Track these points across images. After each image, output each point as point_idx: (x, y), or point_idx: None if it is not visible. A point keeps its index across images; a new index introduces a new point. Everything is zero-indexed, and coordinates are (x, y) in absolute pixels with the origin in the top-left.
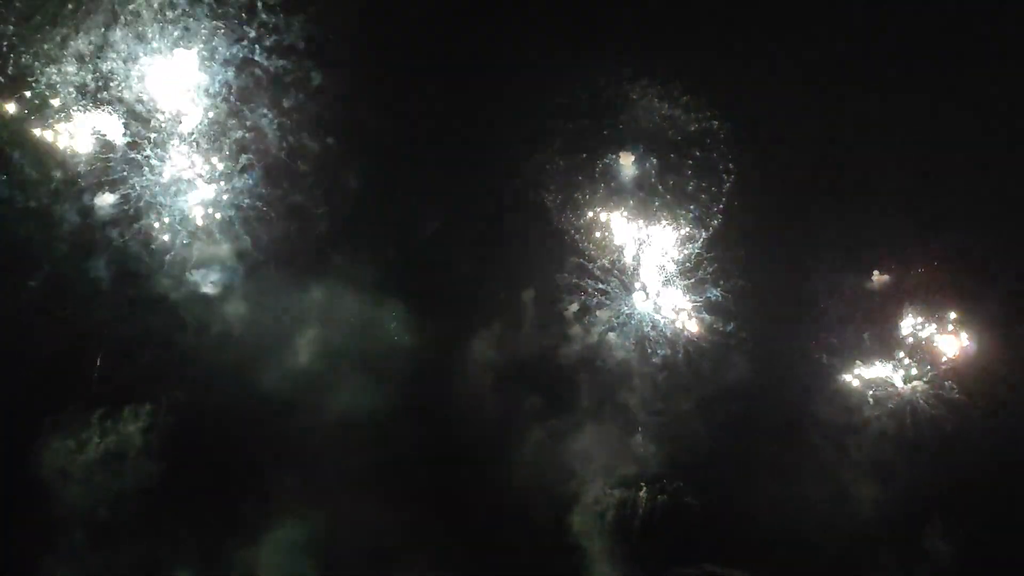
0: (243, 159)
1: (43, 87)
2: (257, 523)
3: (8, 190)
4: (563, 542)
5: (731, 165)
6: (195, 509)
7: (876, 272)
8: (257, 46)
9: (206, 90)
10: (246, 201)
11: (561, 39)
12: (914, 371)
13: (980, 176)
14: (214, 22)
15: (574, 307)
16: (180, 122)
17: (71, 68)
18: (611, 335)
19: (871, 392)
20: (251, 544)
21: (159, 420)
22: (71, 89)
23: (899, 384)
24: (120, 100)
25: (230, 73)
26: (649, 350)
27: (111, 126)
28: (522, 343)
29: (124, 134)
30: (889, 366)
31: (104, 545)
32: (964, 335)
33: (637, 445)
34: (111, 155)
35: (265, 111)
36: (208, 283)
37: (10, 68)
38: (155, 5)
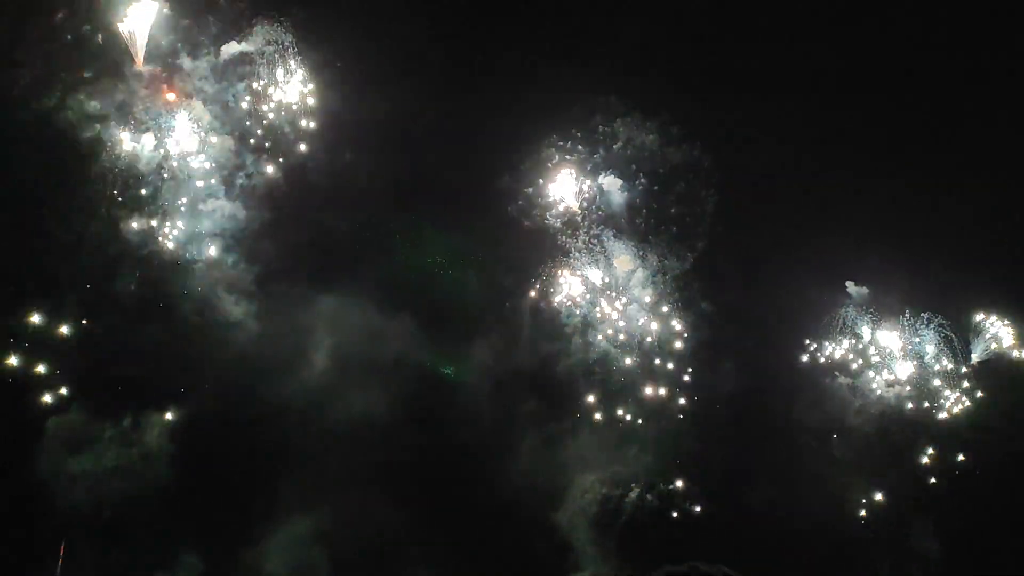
0: (257, 176)
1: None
2: (265, 522)
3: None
4: (558, 541)
5: (713, 191)
6: (206, 509)
7: (852, 283)
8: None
9: (225, 105)
10: (259, 216)
11: (561, 73)
12: (895, 375)
13: (952, 191)
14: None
15: (573, 320)
16: (201, 139)
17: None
18: (607, 345)
19: (857, 402)
20: (259, 542)
21: (173, 424)
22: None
23: (882, 389)
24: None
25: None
26: (643, 360)
27: (134, 144)
28: (522, 353)
29: (150, 150)
30: (871, 371)
31: (119, 544)
32: (944, 338)
33: (631, 450)
34: (134, 173)
35: (276, 127)
36: (223, 294)
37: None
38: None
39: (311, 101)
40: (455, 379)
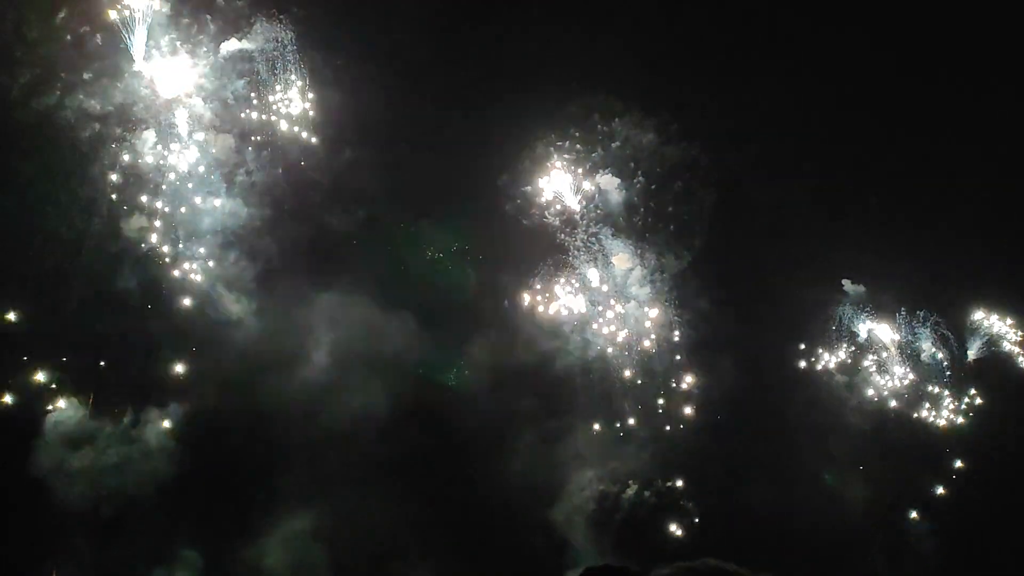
0: (257, 173)
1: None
2: (264, 519)
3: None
4: (556, 538)
5: (711, 190)
6: (206, 505)
7: (848, 281)
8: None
9: (225, 103)
10: (259, 214)
11: (559, 72)
12: (891, 372)
13: (950, 189)
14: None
15: (571, 318)
16: (203, 140)
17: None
18: (605, 343)
19: (854, 400)
20: (258, 538)
21: (173, 421)
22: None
23: (879, 387)
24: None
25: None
26: (641, 358)
27: (136, 145)
28: (521, 351)
29: (150, 149)
30: (866, 370)
31: (119, 540)
32: (940, 336)
33: (628, 448)
34: (135, 172)
35: (276, 124)
36: (222, 291)
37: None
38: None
39: (310, 99)
40: (453, 376)
